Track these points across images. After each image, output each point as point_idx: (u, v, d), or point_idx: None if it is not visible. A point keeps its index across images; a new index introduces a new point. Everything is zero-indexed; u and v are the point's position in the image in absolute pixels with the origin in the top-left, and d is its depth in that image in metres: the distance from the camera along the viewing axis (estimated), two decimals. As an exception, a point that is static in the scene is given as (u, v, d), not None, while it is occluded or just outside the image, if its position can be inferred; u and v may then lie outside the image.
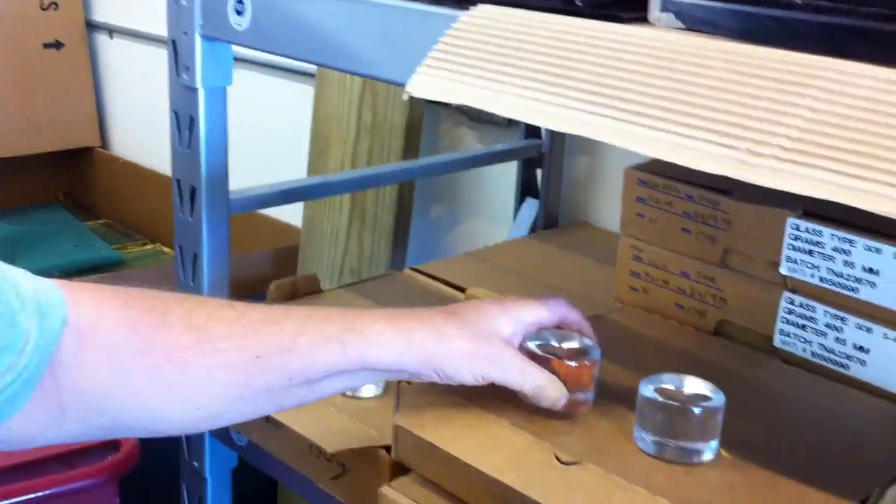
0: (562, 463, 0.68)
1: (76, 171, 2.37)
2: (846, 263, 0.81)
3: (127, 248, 2.15)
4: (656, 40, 0.61)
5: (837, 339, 0.83)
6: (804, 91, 0.53)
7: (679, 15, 0.68)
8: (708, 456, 0.69)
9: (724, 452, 0.70)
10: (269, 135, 1.89)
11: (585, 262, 1.22)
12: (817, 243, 0.83)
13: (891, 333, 0.80)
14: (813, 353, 0.85)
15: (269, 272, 1.70)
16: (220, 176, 0.99)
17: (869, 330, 0.81)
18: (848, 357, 0.83)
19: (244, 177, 1.18)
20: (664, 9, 0.68)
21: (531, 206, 1.40)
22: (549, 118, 0.58)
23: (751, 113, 0.53)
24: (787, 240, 0.84)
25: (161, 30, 1.01)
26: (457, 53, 0.68)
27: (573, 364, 0.72)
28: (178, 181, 1.01)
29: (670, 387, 0.71)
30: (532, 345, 0.72)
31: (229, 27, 0.90)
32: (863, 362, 0.82)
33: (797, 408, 0.79)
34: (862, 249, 0.80)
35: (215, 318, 0.64)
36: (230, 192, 1.02)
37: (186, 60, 0.96)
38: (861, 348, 0.82)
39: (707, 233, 0.91)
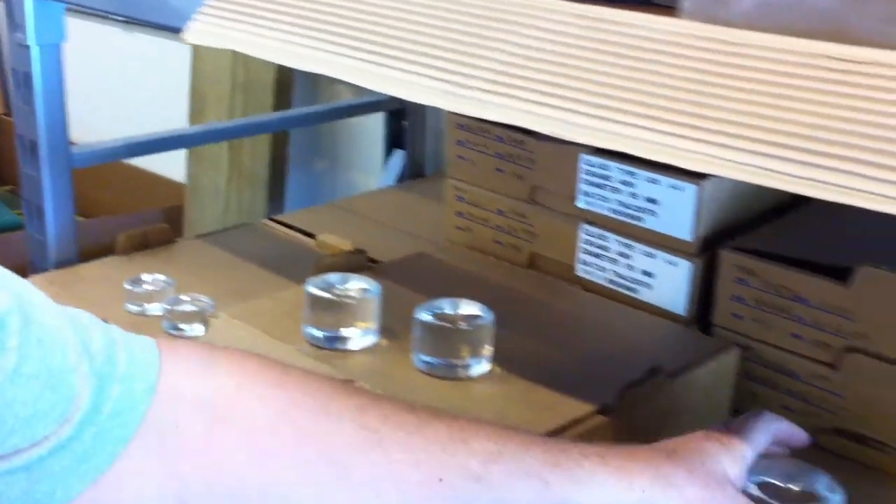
0: (340, 382, 0.73)
1: (-19, 137, 2.38)
2: (631, 195, 0.87)
3: (30, 212, 2.18)
4: (398, -15, 0.65)
5: (628, 266, 0.89)
6: (510, 28, 0.58)
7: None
8: (477, 371, 0.74)
9: (496, 368, 0.75)
10: (158, 94, 1.92)
11: (439, 210, 1.27)
12: (606, 177, 0.88)
13: (671, 259, 0.86)
14: (609, 280, 0.91)
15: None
16: (58, 130, 1.02)
17: (652, 256, 0.87)
18: (637, 282, 0.89)
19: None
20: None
21: (398, 157, 1.46)
22: (292, 57, 0.63)
23: (461, 49, 0.58)
24: (581, 175, 0.90)
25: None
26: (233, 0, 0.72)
27: None
28: (21, 136, 1.04)
29: (447, 311, 0.76)
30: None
31: (51, -16, 0.93)
32: (649, 286, 0.88)
33: (581, 329, 0.85)
34: (644, 181, 0.86)
35: (392, 422, 0.52)
36: (73, 146, 1.05)
37: (18, 18, 0.99)
38: (647, 273, 0.88)
39: (517, 172, 0.96)
